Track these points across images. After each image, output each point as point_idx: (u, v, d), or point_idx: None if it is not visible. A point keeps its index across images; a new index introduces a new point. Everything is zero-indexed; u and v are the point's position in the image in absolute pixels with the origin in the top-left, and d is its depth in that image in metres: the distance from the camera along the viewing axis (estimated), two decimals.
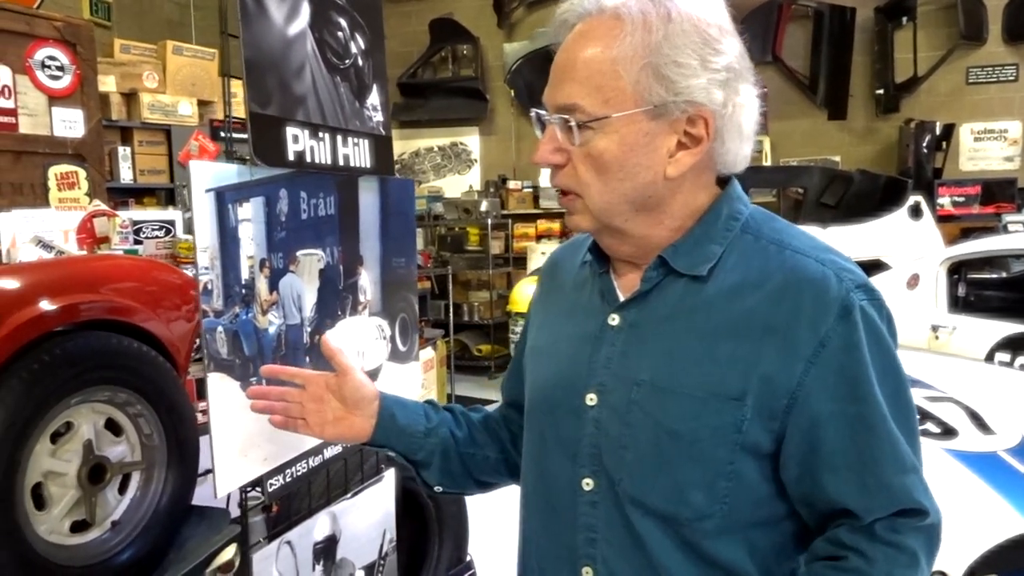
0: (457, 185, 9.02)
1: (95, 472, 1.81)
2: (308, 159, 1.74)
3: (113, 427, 1.88)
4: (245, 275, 1.48)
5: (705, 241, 0.99)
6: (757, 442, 0.92)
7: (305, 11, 1.73)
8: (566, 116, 0.98)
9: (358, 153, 1.93)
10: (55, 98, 4.22)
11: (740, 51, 0.98)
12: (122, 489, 1.91)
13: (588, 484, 0.99)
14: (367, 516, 1.87)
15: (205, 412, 2.23)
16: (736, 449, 0.92)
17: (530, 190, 8.49)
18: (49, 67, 4.17)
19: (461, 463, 1.22)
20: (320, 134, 1.78)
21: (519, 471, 1.18)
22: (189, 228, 4.11)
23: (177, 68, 5.79)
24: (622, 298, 1.03)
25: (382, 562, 1.96)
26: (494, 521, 2.87)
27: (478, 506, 2.72)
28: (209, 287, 1.37)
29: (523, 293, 6.33)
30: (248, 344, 1.46)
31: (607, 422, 0.98)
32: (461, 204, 8.05)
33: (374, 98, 2.03)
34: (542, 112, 1.03)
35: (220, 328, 1.40)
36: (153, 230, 3.75)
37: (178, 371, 2.10)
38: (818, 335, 0.91)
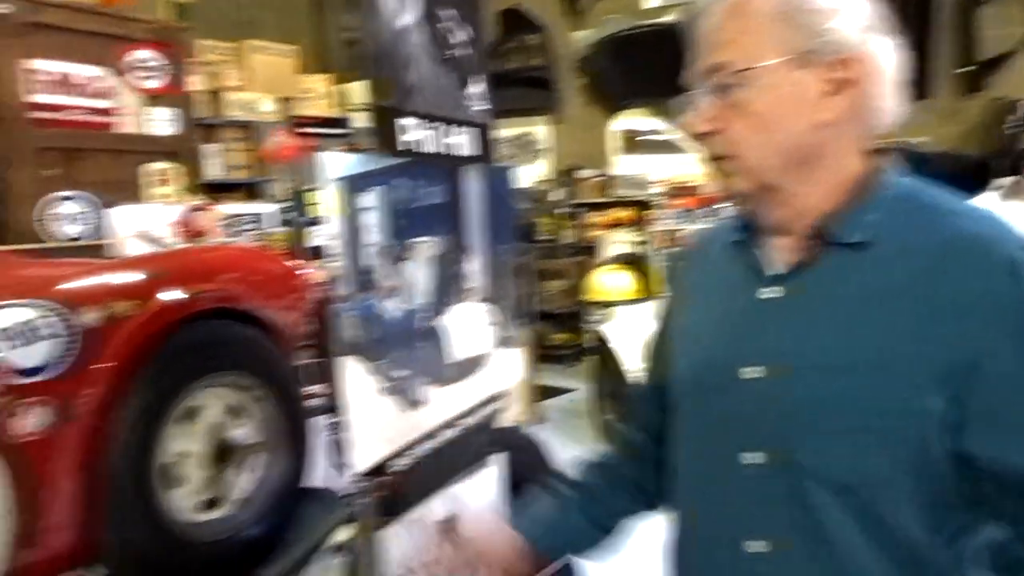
0: (525, 175, 9.04)
1: (221, 452, 1.89)
2: (420, 148, 1.78)
3: (236, 410, 1.96)
4: (368, 262, 1.52)
5: (861, 209, 0.99)
6: (934, 408, 0.91)
7: (416, 3, 1.77)
8: (716, 78, 0.99)
9: (463, 142, 1.95)
10: (149, 98, 4.38)
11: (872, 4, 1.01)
12: (246, 469, 1.99)
13: (752, 458, 0.99)
14: (484, 497, 1.91)
15: (314, 397, 2.31)
16: (913, 416, 0.92)
17: (601, 178, 8.45)
18: (143, 68, 4.33)
19: (609, 530, 1.27)
20: (430, 124, 1.81)
21: (653, 499, 1.23)
22: (279, 221, 4.24)
23: (257, 66, 5.95)
24: (775, 271, 1.03)
25: None
26: None
27: None
28: (338, 274, 1.42)
29: (599, 282, 6.31)
30: (373, 328, 1.51)
31: (772, 395, 0.98)
32: (531, 194, 8.06)
33: (477, 88, 2.05)
34: (688, 91, 1.04)
35: (349, 313, 1.45)
36: (246, 223, 3.88)
37: (290, 356, 2.17)
38: (989, 296, 0.90)
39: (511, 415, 2.29)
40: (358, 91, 5.51)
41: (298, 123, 5.90)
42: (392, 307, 1.61)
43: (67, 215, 3.85)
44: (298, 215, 4.24)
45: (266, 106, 5.89)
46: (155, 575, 1.75)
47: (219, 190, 5.11)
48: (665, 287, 1.29)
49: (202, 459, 1.86)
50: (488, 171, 2.04)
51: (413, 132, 1.75)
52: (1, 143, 3.71)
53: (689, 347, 1.12)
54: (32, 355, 1.51)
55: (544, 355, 7.72)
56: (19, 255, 2.47)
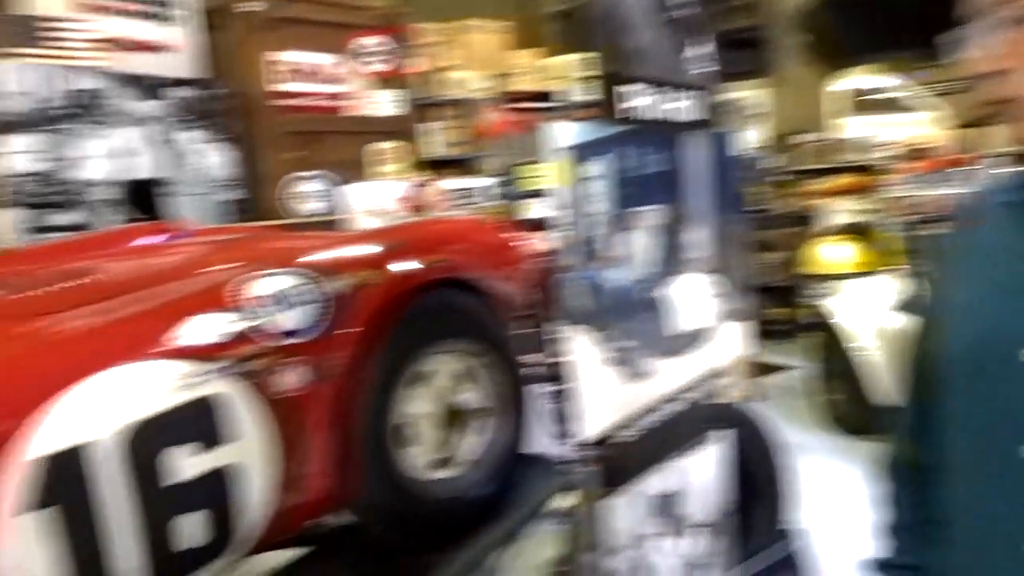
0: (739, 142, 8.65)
1: (452, 416, 1.99)
2: (643, 114, 1.74)
3: (464, 376, 2.05)
4: (594, 231, 1.51)
5: None
6: None
7: None
8: (1012, 8, 0.88)
9: (689, 106, 1.89)
10: (375, 81, 4.67)
11: None
12: (473, 433, 2.08)
13: None
14: (707, 474, 1.86)
15: (532, 365, 2.36)
16: None
17: (820, 143, 7.91)
18: (370, 53, 4.61)
19: None
20: (653, 89, 1.76)
21: None
22: (494, 195, 4.37)
23: (472, 44, 6.14)
24: None
25: (723, 521, 1.95)
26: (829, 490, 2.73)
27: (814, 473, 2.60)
28: (565, 243, 1.42)
29: (819, 254, 5.93)
30: (599, 297, 1.50)
31: None
32: (745, 161, 7.72)
33: (702, 50, 1.97)
34: (959, 29, 0.92)
35: (575, 283, 1.45)
36: (463, 197, 4.04)
37: (512, 324, 2.23)
38: None
39: (734, 391, 2.21)
40: (569, 64, 5.53)
41: (511, 99, 6.03)
42: (617, 277, 1.59)
43: (307, 193, 4.21)
44: (512, 189, 4.35)
45: (481, 83, 6.07)
46: (393, 525, 1.87)
47: (438, 167, 5.35)
48: (912, 259, 1.16)
49: (434, 421, 1.96)
50: (712, 136, 1.97)
51: (636, 98, 1.72)
52: (250, 130, 4.10)
53: (960, 326, 1.00)
54: (293, 319, 1.65)
55: (758, 330, 7.39)
56: (271, 230, 2.72)
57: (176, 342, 1.48)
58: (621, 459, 1.66)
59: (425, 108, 5.81)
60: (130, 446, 1.37)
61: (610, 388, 1.60)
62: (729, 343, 2.05)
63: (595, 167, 1.52)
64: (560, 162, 1.46)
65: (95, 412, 1.34)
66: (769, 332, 7.58)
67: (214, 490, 1.52)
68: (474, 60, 6.11)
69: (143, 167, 3.63)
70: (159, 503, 1.43)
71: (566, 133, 1.48)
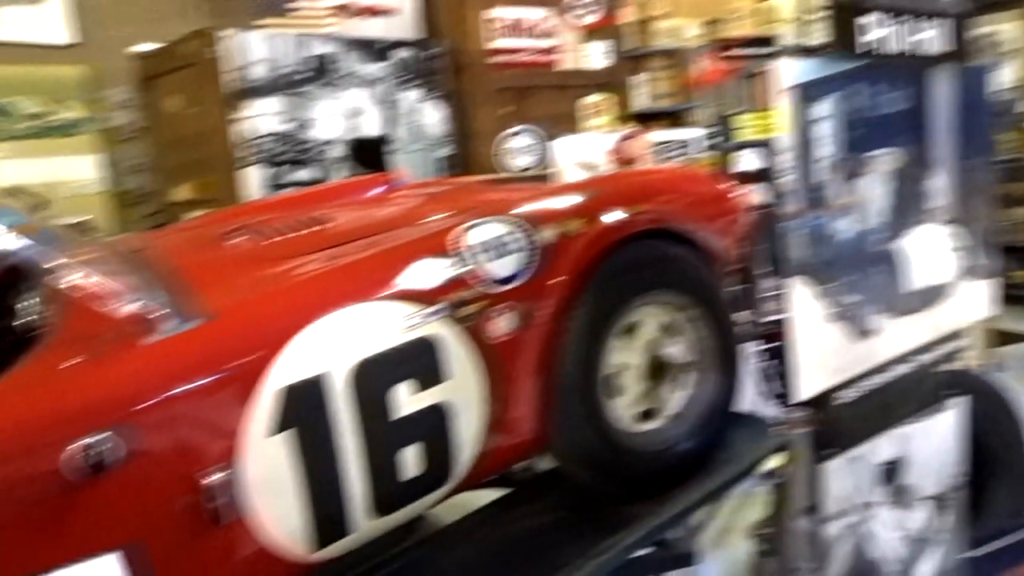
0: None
1: (657, 368, 1.97)
2: (882, 48, 1.58)
3: (671, 328, 2.01)
4: (820, 176, 1.40)
5: None
6: None
7: None
8: None
9: (933, 38, 1.69)
10: (584, 33, 4.64)
11: None
12: (679, 386, 2.05)
13: None
14: (936, 444, 1.70)
15: (744, 322, 2.27)
16: None
17: None
18: (580, 5, 4.58)
19: None
20: (895, 19, 1.59)
21: None
22: (705, 146, 4.21)
23: None
24: None
25: (951, 496, 1.79)
26: None
27: None
28: (787, 189, 1.33)
29: None
30: (824, 248, 1.40)
31: None
32: (994, 104, 6.85)
33: None
34: None
35: (797, 231, 1.36)
36: (675, 149, 3.92)
37: (722, 279, 2.15)
38: None
39: (971, 356, 2.00)
40: (786, 6, 5.15)
41: (725, 45, 5.75)
42: (844, 227, 1.48)
43: (518, 148, 4.29)
44: (724, 139, 4.17)
45: (692, 31, 5.85)
46: (597, 474, 1.89)
47: (645, 120, 5.24)
48: None
49: (639, 373, 1.95)
50: (961, 72, 1.75)
51: (875, 30, 1.57)
52: (465, 87, 4.23)
53: None
54: (504, 266, 1.70)
55: (1001, 293, 6.63)
56: (484, 183, 2.81)
57: (400, 285, 1.57)
58: (839, 421, 1.56)
59: (636, 59, 5.70)
60: (359, 380, 1.49)
61: (831, 346, 1.50)
62: (968, 303, 1.85)
63: (822, 108, 1.41)
64: (783, 103, 1.36)
65: (330, 348, 1.46)
66: (1013, 297, 6.76)
67: (430, 426, 1.61)
68: (685, 7, 5.88)
69: (369, 125, 3.87)
70: (383, 435, 1.54)
71: (790, 72, 1.38)
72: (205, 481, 1.31)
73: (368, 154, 3.55)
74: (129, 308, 1.32)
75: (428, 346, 1.59)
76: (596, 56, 4.59)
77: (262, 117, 3.56)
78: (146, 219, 4.70)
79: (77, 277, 1.28)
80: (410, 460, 1.59)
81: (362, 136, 3.72)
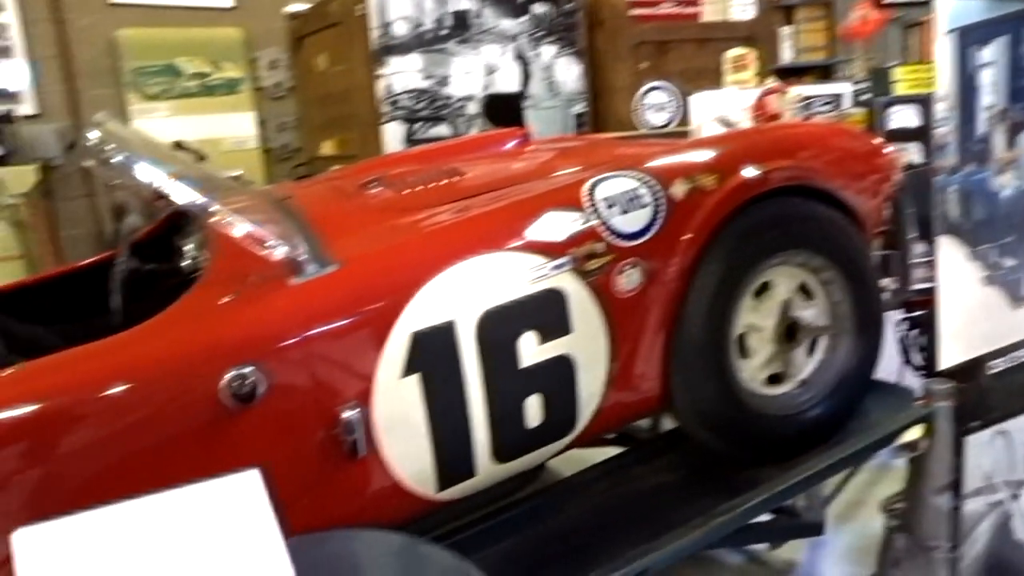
0: None
1: (789, 331, 1.90)
2: None
3: (805, 291, 1.94)
4: (982, 128, 1.29)
5: None
6: None
7: None
8: None
9: None
10: None
11: None
12: (811, 351, 1.98)
13: None
14: None
15: (888, 289, 2.15)
16: None
17: None
18: None
19: None
20: None
21: None
22: (854, 101, 3.97)
23: None
24: None
25: None
26: None
27: None
28: (943, 142, 1.24)
29: None
30: (980, 206, 1.30)
31: None
32: None
33: None
34: None
35: (952, 187, 1.27)
36: (821, 104, 3.72)
37: (866, 241, 2.04)
38: None
39: None
40: None
41: None
42: (1004, 184, 1.37)
43: (655, 104, 4.20)
44: (876, 94, 3.90)
45: None
46: (721, 435, 1.86)
47: (791, 74, 4.98)
48: None
49: (770, 335, 1.89)
50: None
51: None
52: (604, 42, 4.17)
53: None
54: (632, 221, 1.68)
55: None
56: (618, 140, 2.78)
57: (528, 237, 1.59)
58: (988, 393, 1.46)
59: (783, 10, 5.41)
60: (486, 328, 1.53)
61: (982, 312, 1.40)
62: None
63: (986, 53, 1.30)
64: (943, 49, 1.27)
65: (459, 296, 1.51)
66: None
67: (554, 377, 1.64)
68: None
69: (505, 82, 3.90)
70: (508, 383, 1.58)
71: (952, 15, 1.28)
72: (341, 416, 1.40)
73: (503, 110, 3.58)
74: (276, 252, 1.41)
75: (555, 298, 1.61)
76: (741, 7, 4.39)
77: (402, 74, 3.65)
78: (294, 173, 4.96)
79: (232, 222, 1.38)
80: (533, 409, 1.63)
81: (498, 92, 3.75)
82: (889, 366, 2.19)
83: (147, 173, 1.38)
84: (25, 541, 0.65)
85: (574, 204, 1.66)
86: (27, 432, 1.20)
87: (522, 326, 1.58)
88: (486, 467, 1.62)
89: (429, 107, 3.73)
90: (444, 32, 3.73)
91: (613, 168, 1.77)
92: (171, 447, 1.31)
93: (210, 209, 1.39)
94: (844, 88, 3.93)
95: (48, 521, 0.67)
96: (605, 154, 2.04)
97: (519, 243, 1.59)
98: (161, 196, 2.03)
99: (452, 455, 1.56)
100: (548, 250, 1.60)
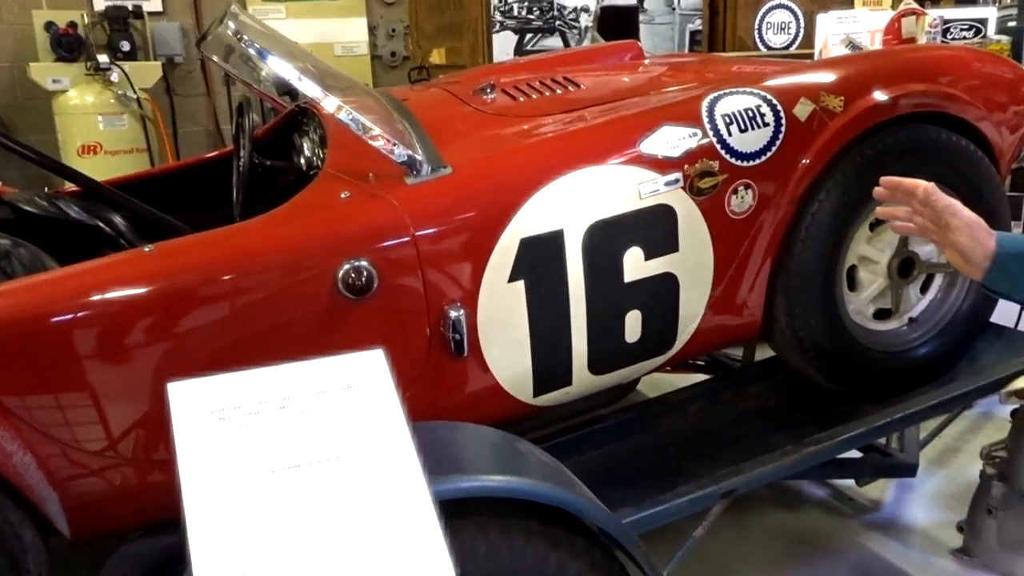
0: None
1: (904, 266, 1.83)
2: None
3: None
4: None
5: None
6: None
7: None
8: None
9: None
10: None
11: None
12: (924, 289, 1.91)
13: None
14: None
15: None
16: None
17: None
18: None
19: None
20: None
21: None
22: (1000, 28, 3.67)
23: None
24: None
25: None
26: None
27: None
28: None
29: None
30: None
31: None
32: None
33: None
34: None
35: None
36: (961, 30, 3.46)
37: (1000, 176, 1.93)
38: None
39: None
40: None
41: None
42: None
43: (776, 24, 4.00)
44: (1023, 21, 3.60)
45: None
46: (819, 365, 1.83)
47: None
48: None
49: (883, 269, 1.83)
50: None
51: None
52: None
53: None
54: (749, 140, 1.64)
55: None
56: (737, 58, 2.67)
57: (641, 151, 1.57)
58: None
59: None
60: (594, 240, 1.53)
61: None
62: None
63: None
64: None
65: (569, 206, 1.51)
66: None
67: (657, 293, 1.64)
68: None
69: None
70: (611, 295, 1.59)
71: None
72: (448, 315, 1.44)
73: (617, 24, 3.48)
74: (394, 152, 1.44)
75: (664, 214, 1.59)
76: None
77: None
78: (409, 80, 4.98)
79: (354, 119, 1.41)
80: (633, 325, 1.64)
81: (613, 4, 3.64)
82: (1009, 310, 2.10)
83: (279, 66, 1.41)
84: (177, 391, 0.72)
85: (691, 119, 1.63)
86: (158, 306, 1.30)
87: (629, 240, 1.58)
88: (581, 377, 1.65)
89: (541, 17, 3.66)
90: None
91: (733, 85, 1.71)
92: (286, 332, 1.38)
93: (333, 106, 1.42)
94: (988, 13, 3.63)
95: (196, 378, 0.74)
96: (723, 71, 1.98)
97: (632, 156, 1.57)
98: (287, 91, 2.10)
99: (550, 362, 1.59)
100: (661, 166, 1.58)
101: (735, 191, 1.65)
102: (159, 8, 4.77)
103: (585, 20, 3.73)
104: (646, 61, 2.28)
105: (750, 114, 1.65)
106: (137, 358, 1.28)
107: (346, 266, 1.36)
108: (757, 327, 1.79)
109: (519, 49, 3.66)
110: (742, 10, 3.99)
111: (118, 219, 2.12)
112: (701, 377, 2.28)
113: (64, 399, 1.24)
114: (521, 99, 1.80)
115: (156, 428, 1.32)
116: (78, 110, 4.25)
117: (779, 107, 1.67)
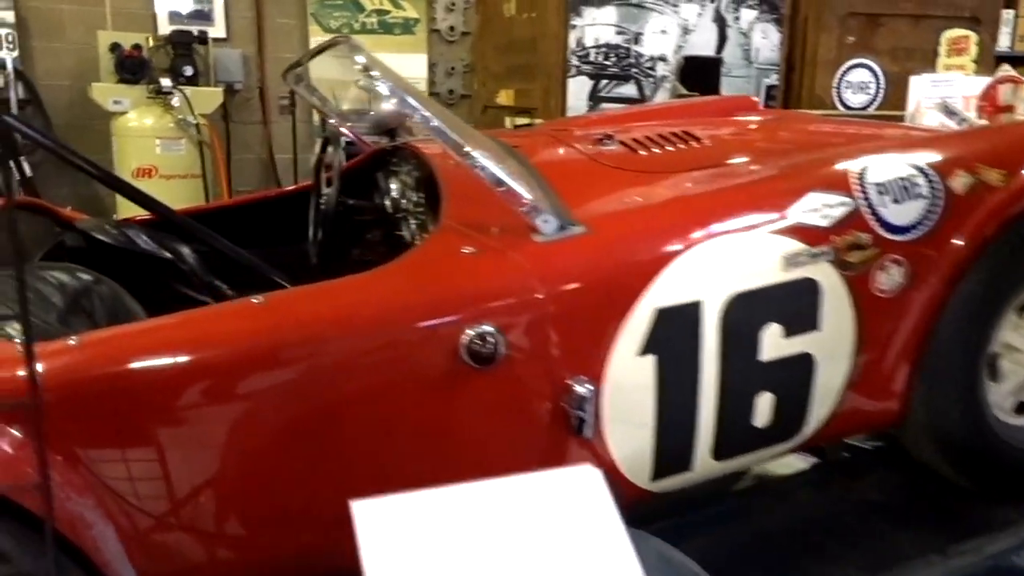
0: None
1: None
2: None
3: None
4: None
5: None
6: None
7: None
8: None
9: None
10: None
11: None
12: None
13: None
14: None
15: None
16: None
17: None
18: None
19: None
20: None
21: None
22: None
23: None
24: None
25: None
26: None
27: None
28: None
29: None
30: None
31: None
32: None
33: None
34: None
35: None
36: None
37: None
38: None
39: None
40: None
41: None
42: None
43: (856, 83, 3.87)
44: None
45: None
46: (956, 460, 1.67)
47: (1009, 62, 4.49)
48: None
49: None
50: None
51: None
52: (810, 10, 3.86)
53: None
54: (904, 212, 1.49)
55: None
56: (853, 121, 2.53)
57: (788, 219, 1.43)
58: None
59: None
60: (733, 313, 1.38)
61: None
62: None
63: None
64: None
65: (709, 274, 1.37)
66: None
67: (793, 374, 1.48)
68: None
69: (699, 44, 3.67)
70: (744, 375, 1.43)
71: None
72: (573, 389, 1.29)
73: (699, 75, 3.37)
74: (523, 205, 1.30)
75: (808, 288, 1.44)
76: None
77: (595, 26, 3.49)
78: (480, 120, 4.88)
79: (485, 170, 1.28)
80: (763, 407, 1.48)
81: (696, 55, 3.53)
82: None
83: (414, 106, 1.28)
84: (363, 511, 0.57)
85: (841, 187, 1.48)
86: (267, 365, 1.16)
87: (769, 315, 1.42)
88: (703, 463, 1.49)
89: (618, 64, 3.56)
90: None
91: (878, 150, 1.57)
92: (399, 397, 1.24)
93: (463, 152, 1.29)
94: None
95: (383, 496, 0.59)
96: (863, 134, 1.83)
97: (778, 224, 1.43)
98: (385, 129, 1.98)
99: (673, 445, 1.44)
100: (809, 236, 1.43)
101: (884, 267, 1.50)
102: (223, 34, 4.74)
103: (662, 69, 3.63)
104: (769, 117, 2.14)
105: (904, 184, 1.50)
106: (241, 422, 1.14)
107: (471, 332, 1.21)
108: (894, 416, 1.62)
109: (594, 95, 3.55)
110: (821, 67, 3.88)
111: (186, 250, 2.01)
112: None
113: (158, 466, 1.10)
114: (643, 152, 1.67)
115: (253, 504, 1.17)
116: (136, 132, 4.18)
117: (935, 178, 1.52)
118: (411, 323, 1.22)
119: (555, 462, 1.36)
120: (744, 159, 1.61)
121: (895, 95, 3.96)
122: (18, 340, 1.15)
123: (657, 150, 1.67)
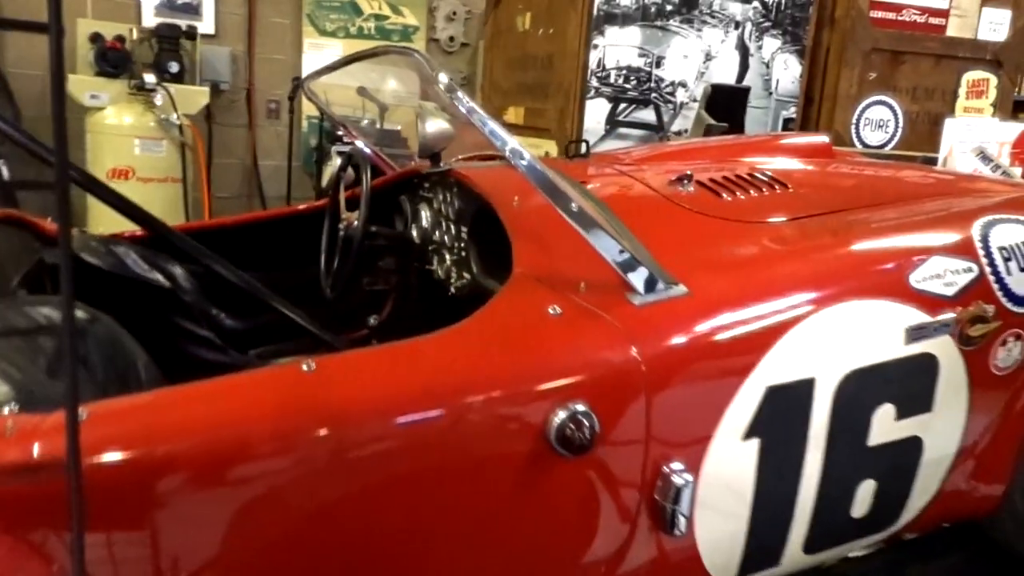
0: None
1: None
2: None
3: None
4: None
5: None
6: None
7: None
8: None
9: None
10: None
11: None
12: None
13: None
14: None
15: None
16: None
17: None
18: None
19: None
20: None
21: None
22: None
23: None
24: None
25: None
26: None
27: None
28: None
29: None
30: None
31: None
32: None
33: None
34: None
35: None
36: None
37: None
38: None
39: None
40: None
41: None
42: None
43: (875, 120, 3.75)
44: None
45: None
46: None
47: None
48: None
49: None
50: None
51: None
52: (833, 43, 3.73)
53: None
54: None
55: None
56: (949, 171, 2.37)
57: (911, 286, 1.25)
58: None
59: None
60: (846, 392, 1.19)
61: None
62: None
63: None
64: None
65: (827, 347, 1.18)
66: None
67: (897, 461, 1.30)
68: None
69: (721, 71, 3.52)
70: (849, 461, 1.25)
71: None
72: (670, 480, 1.09)
73: (725, 104, 3.20)
74: (616, 258, 1.10)
75: (927, 365, 1.26)
76: (991, 26, 3.88)
77: (617, 47, 3.31)
78: None
79: (579, 216, 1.06)
80: (864, 496, 1.29)
81: (723, 84, 3.37)
82: None
83: (495, 133, 1.07)
84: None
85: (964, 251, 1.30)
86: (318, 447, 0.93)
87: (883, 395, 1.24)
88: (793, 557, 1.30)
89: (637, 88, 3.38)
90: (670, 7, 3.36)
91: (999, 208, 1.40)
92: (473, 483, 1.02)
93: (553, 191, 1.07)
94: None
95: None
96: (960, 187, 1.66)
97: (901, 291, 1.24)
98: (431, 153, 1.76)
99: (765, 540, 1.24)
100: (933, 306, 1.25)
101: (1004, 342, 1.32)
102: (211, 31, 4.46)
103: (681, 95, 3.46)
104: (851, 161, 1.96)
105: None
106: (284, 512, 0.92)
107: (562, 414, 1.00)
108: (996, 505, 1.45)
109: (611, 119, 3.36)
110: (840, 101, 3.75)
111: (179, 271, 1.78)
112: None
113: (187, 561, 0.87)
114: (726, 196, 1.47)
115: None
116: (114, 130, 3.89)
117: None
118: (494, 399, 1.00)
119: (635, 559, 1.16)
120: (843, 210, 1.42)
121: (912, 135, 3.87)
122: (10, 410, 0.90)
123: (741, 195, 1.47)
